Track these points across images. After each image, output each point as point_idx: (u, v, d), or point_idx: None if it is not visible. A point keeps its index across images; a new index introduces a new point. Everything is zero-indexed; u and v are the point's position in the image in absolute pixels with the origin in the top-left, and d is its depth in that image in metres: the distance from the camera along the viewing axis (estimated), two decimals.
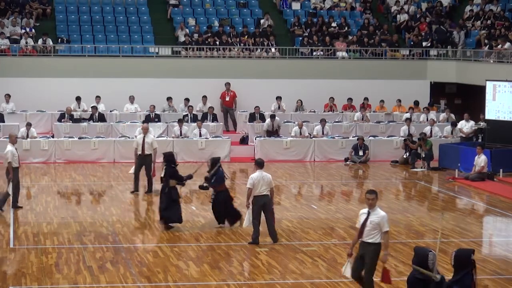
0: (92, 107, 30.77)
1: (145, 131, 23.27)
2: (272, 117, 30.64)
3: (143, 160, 22.98)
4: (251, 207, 17.35)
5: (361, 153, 29.53)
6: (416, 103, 33.35)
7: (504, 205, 22.29)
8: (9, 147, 20.31)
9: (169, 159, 19.06)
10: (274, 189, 17.31)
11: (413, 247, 10.99)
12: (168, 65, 33.44)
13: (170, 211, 18.60)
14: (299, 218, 20.11)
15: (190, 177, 19.43)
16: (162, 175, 18.87)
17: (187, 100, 32.16)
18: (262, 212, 17.14)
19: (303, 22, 36.39)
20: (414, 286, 10.64)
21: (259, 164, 17.28)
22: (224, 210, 18.93)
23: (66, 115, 30.22)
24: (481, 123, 29.91)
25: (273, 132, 30.37)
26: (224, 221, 19.11)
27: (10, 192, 20.25)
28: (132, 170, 23.22)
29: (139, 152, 22.97)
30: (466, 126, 30.47)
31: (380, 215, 12.99)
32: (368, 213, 13.01)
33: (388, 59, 35.12)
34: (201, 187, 19.80)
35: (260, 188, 16.99)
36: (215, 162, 18.97)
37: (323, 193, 24.55)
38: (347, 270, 13.28)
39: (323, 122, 30.57)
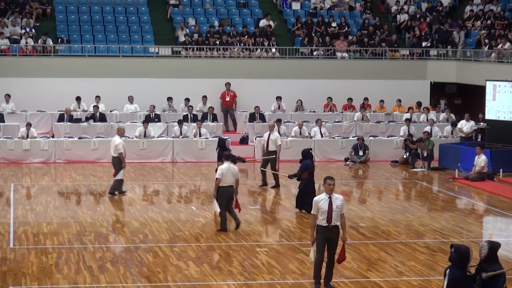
0: (93, 106, 30.79)
1: (271, 128, 24.34)
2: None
3: (270, 155, 23.82)
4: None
5: (361, 153, 29.54)
6: (419, 103, 33.34)
7: (504, 205, 22.28)
8: (119, 139, 22.45)
9: (221, 144, 21.71)
10: (239, 181, 18.48)
11: (450, 244, 10.92)
12: (168, 65, 33.43)
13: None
14: (299, 218, 20.11)
15: (242, 160, 21.90)
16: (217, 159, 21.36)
17: (187, 100, 32.17)
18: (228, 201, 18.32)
19: (303, 22, 36.39)
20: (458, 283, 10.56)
21: (227, 157, 18.56)
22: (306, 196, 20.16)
23: (65, 116, 30.22)
24: (481, 123, 29.91)
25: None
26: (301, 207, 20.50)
27: (122, 177, 22.34)
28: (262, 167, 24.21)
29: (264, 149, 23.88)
30: (466, 126, 30.48)
31: (340, 198, 13.86)
32: (330, 198, 13.62)
33: (388, 59, 35.12)
34: (289, 176, 21.47)
35: (228, 179, 18.11)
36: (305, 153, 20.72)
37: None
38: (312, 255, 13.82)
39: (319, 122, 30.51)
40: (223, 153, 19.10)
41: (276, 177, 24.06)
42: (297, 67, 34.04)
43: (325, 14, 37.46)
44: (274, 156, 23.88)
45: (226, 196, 18.20)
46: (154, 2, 37.06)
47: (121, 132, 23.12)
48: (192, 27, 35.31)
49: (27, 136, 28.41)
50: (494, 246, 10.66)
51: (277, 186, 24.10)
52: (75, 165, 27.95)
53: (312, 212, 13.80)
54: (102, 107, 31.18)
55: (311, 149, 21.32)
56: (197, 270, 15.30)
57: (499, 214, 21.31)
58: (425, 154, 28.42)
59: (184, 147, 29.04)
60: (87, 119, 30.46)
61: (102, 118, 30.59)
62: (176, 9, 36.71)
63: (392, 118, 32.86)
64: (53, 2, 36.27)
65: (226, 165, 18.28)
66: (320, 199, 13.66)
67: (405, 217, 20.50)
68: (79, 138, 28.93)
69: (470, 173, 25.95)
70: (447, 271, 10.68)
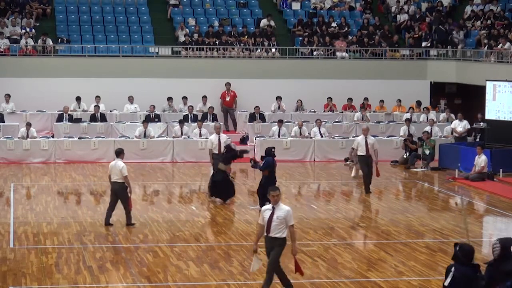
0: (95, 106, 30.79)
1: (366, 132, 23.66)
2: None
3: (367, 161, 23.22)
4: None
5: None
6: (419, 103, 33.34)
7: (504, 205, 22.28)
8: (212, 136, 23.63)
9: (228, 147, 22.17)
10: (127, 178, 18.49)
11: (454, 243, 10.84)
12: (168, 65, 33.43)
13: (214, 188, 21.81)
14: (299, 218, 20.07)
15: (245, 151, 22.90)
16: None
17: (185, 98, 32.18)
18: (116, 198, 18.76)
19: (303, 23, 36.38)
20: (459, 283, 10.54)
21: (115, 153, 19.06)
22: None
23: (64, 115, 30.22)
24: (481, 123, 29.93)
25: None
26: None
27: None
28: (353, 173, 23.92)
29: (362, 153, 23.22)
30: (459, 125, 30.52)
31: (285, 209, 13.38)
32: (273, 209, 13.28)
33: (388, 59, 35.11)
34: (252, 164, 21.73)
35: (113, 176, 18.54)
36: (268, 151, 21.19)
37: (323, 193, 24.55)
38: (255, 266, 13.61)
39: (318, 122, 30.50)
40: (118, 149, 19.29)
41: (367, 184, 23.34)
42: (297, 67, 34.04)
43: (325, 14, 37.45)
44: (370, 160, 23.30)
45: (112, 191, 18.73)
46: (154, 2, 37.06)
47: (217, 130, 23.71)
48: (192, 27, 35.31)
49: (27, 136, 28.40)
50: (505, 244, 10.59)
51: (367, 192, 23.28)
52: (75, 165, 27.95)
53: (258, 221, 13.69)
54: (102, 107, 31.19)
55: (274, 148, 21.50)
56: (197, 270, 15.30)
57: (499, 214, 21.30)
58: (426, 153, 28.38)
59: (184, 147, 29.04)
60: (93, 118, 30.45)
61: (103, 118, 30.60)
62: (176, 9, 36.71)
63: (392, 118, 32.85)
64: (53, 2, 36.26)
65: (113, 161, 18.71)
66: (265, 209, 13.44)
67: (405, 217, 20.50)
68: (79, 138, 28.93)
69: (470, 173, 25.94)
70: (452, 268, 10.62)
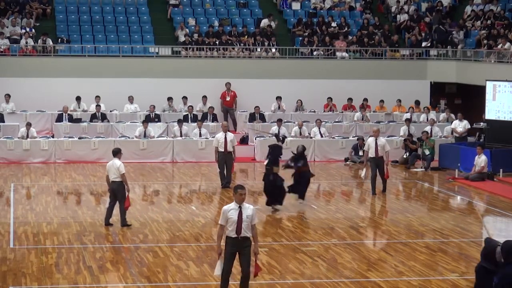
0: (96, 106, 30.81)
1: (376, 134, 23.50)
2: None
3: (376, 163, 23.17)
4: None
5: (361, 153, 29.49)
6: (417, 102, 33.35)
7: (504, 205, 22.28)
8: (218, 134, 23.82)
9: (274, 149, 21.34)
10: (125, 176, 18.47)
11: (485, 238, 10.89)
12: (168, 65, 33.43)
13: (274, 196, 20.97)
14: (299, 218, 20.11)
15: (282, 137, 22.80)
16: (266, 164, 21.32)
17: (185, 98, 32.18)
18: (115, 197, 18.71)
19: (303, 23, 36.39)
20: (482, 276, 10.69)
21: (112, 153, 18.89)
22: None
23: (64, 115, 30.24)
24: (482, 123, 29.92)
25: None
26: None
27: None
28: (363, 174, 23.74)
29: (372, 155, 23.14)
30: (459, 125, 30.53)
31: (251, 208, 12.78)
32: (240, 208, 12.66)
33: (388, 59, 35.11)
34: (286, 166, 21.71)
35: (111, 175, 18.54)
36: (301, 150, 21.66)
37: (323, 193, 24.55)
38: (218, 269, 12.94)
39: (318, 122, 30.51)
40: (115, 148, 19.19)
41: (373, 185, 23.28)
42: (297, 67, 34.04)
43: (325, 14, 37.46)
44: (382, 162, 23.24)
45: (111, 191, 18.69)
46: (154, 2, 37.06)
47: (224, 128, 23.88)
48: (192, 27, 35.31)
49: (27, 136, 28.41)
50: (504, 246, 10.62)
51: (374, 193, 23.24)
52: (75, 165, 27.95)
53: (219, 222, 12.88)
54: (102, 107, 31.19)
55: (304, 147, 22.21)
56: (197, 270, 15.30)
57: (499, 214, 21.30)
58: (426, 153, 28.37)
59: (184, 147, 29.04)
60: (95, 118, 30.45)
61: (104, 117, 30.60)
62: (176, 9, 36.71)
63: (392, 118, 32.86)
64: (53, 2, 36.26)
65: (110, 162, 18.70)
66: (230, 209, 12.67)
67: (405, 217, 20.50)
68: (79, 138, 28.94)
69: (470, 173, 25.94)
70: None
